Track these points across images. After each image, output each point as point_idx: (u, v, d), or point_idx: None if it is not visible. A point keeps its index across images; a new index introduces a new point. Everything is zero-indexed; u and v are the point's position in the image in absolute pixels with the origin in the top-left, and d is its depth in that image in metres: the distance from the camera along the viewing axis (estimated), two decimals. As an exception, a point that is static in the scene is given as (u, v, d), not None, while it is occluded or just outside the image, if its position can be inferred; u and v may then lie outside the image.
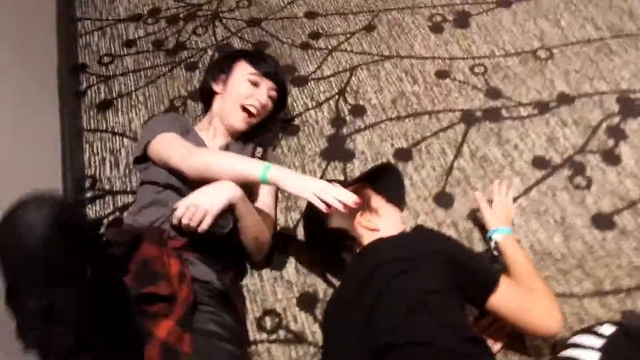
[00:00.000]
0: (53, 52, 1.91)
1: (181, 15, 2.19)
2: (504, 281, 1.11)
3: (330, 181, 1.19)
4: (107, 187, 1.66)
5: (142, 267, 1.13)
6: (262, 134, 1.64)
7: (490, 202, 1.39)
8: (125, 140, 1.77)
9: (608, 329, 1.01)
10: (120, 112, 1.86)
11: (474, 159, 1.61)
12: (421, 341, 0.99)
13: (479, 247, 1.43)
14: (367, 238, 1.25)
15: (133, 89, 1.93)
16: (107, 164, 1.72)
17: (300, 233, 1.49)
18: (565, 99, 1.72)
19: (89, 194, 1.64)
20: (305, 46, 2.00)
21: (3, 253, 0.87)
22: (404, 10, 2.09)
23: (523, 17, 1.99)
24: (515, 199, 1.50)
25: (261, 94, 1.50)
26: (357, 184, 1.33)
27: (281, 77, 1.56)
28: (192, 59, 2.01)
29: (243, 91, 1.49)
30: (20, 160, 1.41)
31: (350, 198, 1.14)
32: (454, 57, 1.90)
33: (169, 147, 1.32)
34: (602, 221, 1.44)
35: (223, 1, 2.22)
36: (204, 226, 1.19)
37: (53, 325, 0.89)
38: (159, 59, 2.03)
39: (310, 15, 2.12)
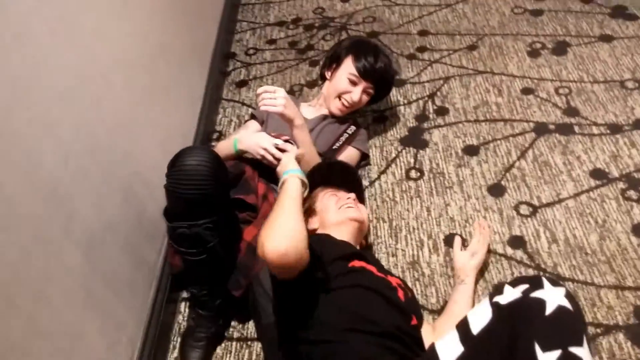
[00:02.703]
0: (212, 41, 2.44)
1: (316, 25, 2.63)
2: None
3: None
4: (228, 141, 2.10)
5: (242, 181, 1.51)
6: (355, 117, 1.96)
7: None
8: (250, 110, 2.22)
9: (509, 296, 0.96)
10: (251, 90, 2.32)
11: (535, 162, 1.77)
12: None
13: (517, 232, 1.59)
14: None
15: (265, 74, 2.39)
16: (233, 125, 2.17)
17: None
18: (640, 125, 1.81)
19: (213, 144, 2.10)
20: (411, 57, 2.31)
21: (173, 187, 1.26)
22: (507, 36, 2.30)
23: (621, 52, 2.09)
24: (563, 200, 1.64)
25: (356, 92, 1.77)
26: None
27: (381, 77, 1.80)
28: (316, 58, 2.42)
29: (342, 86, 1.78)
30: (172, 110, 1.89)
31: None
32: (543, 78, 2.07)
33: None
34: (643, 230, 1.52)
35: (352, 17, 2.63)
36: (279, 109, 1.50)
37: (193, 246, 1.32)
38: (290, 55, 2.48)
39: (423, 33, 2.43)
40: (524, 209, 1.65)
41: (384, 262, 1.58)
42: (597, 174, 1.70)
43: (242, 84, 2.37)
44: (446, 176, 1.79)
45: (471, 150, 1.86)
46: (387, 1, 2.66)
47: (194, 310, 1.48)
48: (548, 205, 1.65)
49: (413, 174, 1.83)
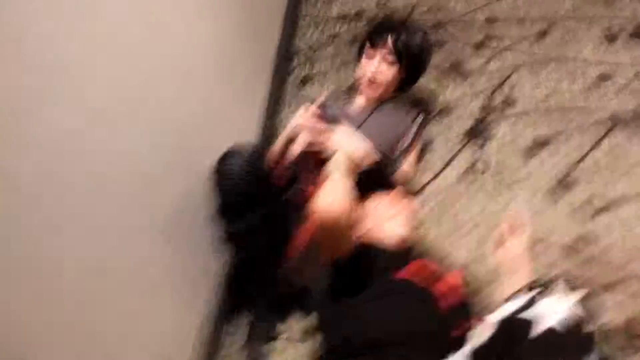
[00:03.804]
0: (276, 37, 2.50)
1: (379, 16, 2.61)
2: None
3: None
4: (292, 136, 2.15)
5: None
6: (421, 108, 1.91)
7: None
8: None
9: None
10: (315, 85, 2.36)
11: (611, 153, 1.68)
12: None
13: (589, 227, 1.52)
14: None
15: (329, 69, 2.41)
16: (297, 120, 2.21)
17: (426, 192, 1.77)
18: None
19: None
20: (478, 45, 2.25)
21: (219, 187, 1.38)
22: (582, 20, 2.18)
23: None
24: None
25: (374, 62, 1.69)
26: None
27: (398, 40, 1.67)
28: (379, 50, 2.41)
29: (363, 66, 1.73)
30: (234, 109, 1.95)
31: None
32: (620, 63, 1.95)
33: None
34: None
35: (417, 7, 2.59)
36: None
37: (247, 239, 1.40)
38: (354, 48, 2.48)
39: (490, 20, 2.35)
40: (598, 202, 1.57)
41: (444, 258, 1.57)
42: (681, 164, 1.59)
43: (306, 79, 2.41)
44: (513, 169, 1.74)
45: (541, 142, 1.79)
46: (452, -11, 2.60)
47: (248, 315, 1.56)
48: (623, 198, 1.56)
49: (478, 166, 1.79)
